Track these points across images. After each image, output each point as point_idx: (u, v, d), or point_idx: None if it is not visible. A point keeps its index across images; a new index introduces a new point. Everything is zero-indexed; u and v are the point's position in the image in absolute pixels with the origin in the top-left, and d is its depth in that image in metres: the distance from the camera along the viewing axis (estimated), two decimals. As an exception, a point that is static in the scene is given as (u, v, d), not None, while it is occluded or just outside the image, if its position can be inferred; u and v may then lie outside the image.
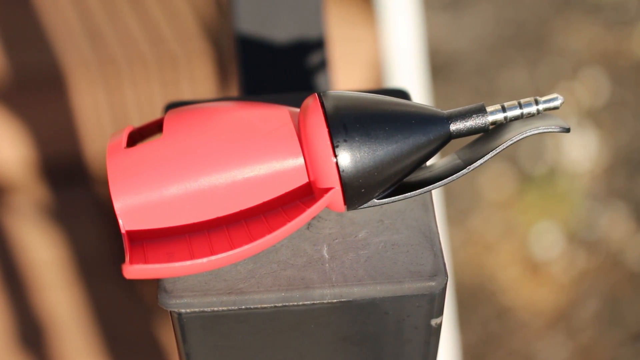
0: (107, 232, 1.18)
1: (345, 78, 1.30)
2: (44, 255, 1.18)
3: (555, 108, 0.46)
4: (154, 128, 0.49)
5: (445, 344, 1.30)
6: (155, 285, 0.45)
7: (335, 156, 0.44)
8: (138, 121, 1.16)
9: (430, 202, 0.48)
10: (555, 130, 0.45)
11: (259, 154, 0.44)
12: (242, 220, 0.45)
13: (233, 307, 0.44)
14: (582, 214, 1.57)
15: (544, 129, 0.45)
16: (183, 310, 0.44)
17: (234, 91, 1.16)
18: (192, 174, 0.44)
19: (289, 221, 0.44)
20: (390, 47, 1.34)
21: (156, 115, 1.14)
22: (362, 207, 0.45)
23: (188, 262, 0.43)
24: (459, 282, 1.49)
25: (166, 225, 0.44)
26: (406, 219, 0.47)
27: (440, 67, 1.70)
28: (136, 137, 0.49)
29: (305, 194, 0.45)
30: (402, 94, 0.52)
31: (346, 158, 0.43)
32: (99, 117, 1.17)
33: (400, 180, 0.45)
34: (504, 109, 0.45)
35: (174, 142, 0.45)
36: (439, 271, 0.45)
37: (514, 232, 1.55)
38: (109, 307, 1.17)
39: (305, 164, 0.45)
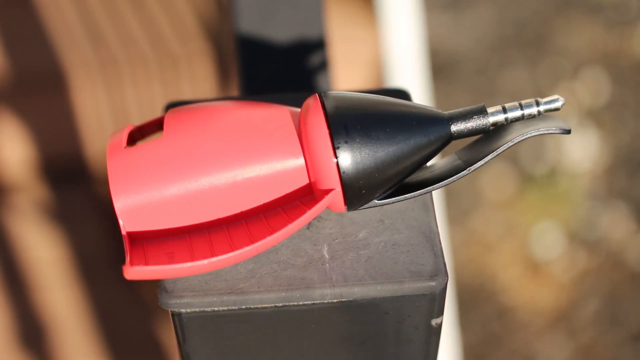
0: (108, 231, 1.18)
1: (346, 78, 1.30)
2: (44, 254, 1.18)
3: (556, 109, 0.46)
4: (154, 127, 0.49)
5: (445, 344, 1.30)
6: (156, 285, 0.45)
7: (336, 157, 0.43)
8: (138, 121, 1.16)
9: (430, 202, 0.48)
10: (555, 131, 0.45)
11: (260, 154, 0.44)
12: (243, 221, 0.45)
13: (233, 307, 0.44)
14: (582, 214, 1.57)
15: (544, 130, 0.45)
16: (183, 310, 0.44)
17: (235, 91, 1.16)
18: (193, 174, 0.44)
19: (290, 222, 0.44)
20: (390, 47, 1.34)
21: (157, 115, 1.14)
22: (362, 207, 0.45)
23: (188, 264, 0.43)
24: (459, 282, 1.49)
25: (167, 226, 0.44)
26: (406, 219, 0.47)
27: (440, 67, 1.70)
28: (136, 136, 0.49)
29: (306, 195, 0.45)
30: (403, 94, 0.52)
31: (347, 159, 0.43)
32: (99, 117, 1.17)
33: (400, 181, 0.45)
34: (504, 110, 0.45)
35: (175, 142, 0.45)
36: (440, 271, 0.45)
37: (515, 232, 1.55)
38: (109, 307, 1.17)
39: (306, 165, 0.45)
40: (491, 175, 1.59)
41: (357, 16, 1.35)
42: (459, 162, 0.46)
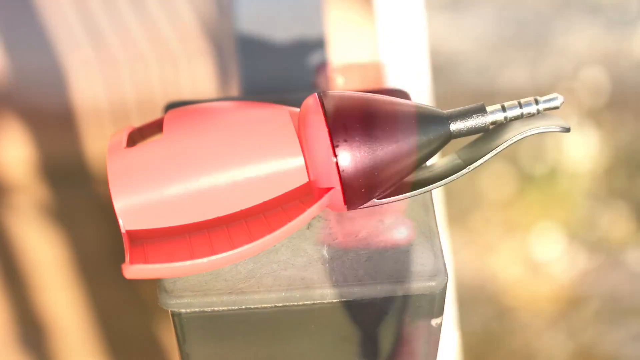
0: (108, 232, 1.18)
1: (346, 78, 1.30)
2: (44, 255, 1.18)
3: (555, 108, 0.46)
4: (154, 128, 0.49)
5: (445, 344, 1.30)
6: (156, 285, 0.45)
7: (335, 156, 0.44)
8: (138, 121, 1.16)
9: (430, 201, 0.48)
10: (555, 129, 0.45)
11: (259, 153, 0.44)
12: (243, 220, 0.45)
13: (233, 307, 0.44)
14: (582, 214, 1.57)
15: (544, 128, 0.45)
16: (183, 310, 0.44)
17: (234, 91, 1.16)
18: (192, 173, 0.44)
19: (290, 221, 0.44)
20: (390, 47, 1.33)
21: (157, 115, 1.14)
22: (362, 207, 0.45)
23: (188, 262, 0.43)
24: (459, 282, 1.49)
25: (166, 225, 0.44)
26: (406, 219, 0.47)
27: (440, 67, 1.70)
28: (136, 137, 0.49)
29: (306, 194, 0.45)
30: (402, 94, 0.52)
31: (346, 158, 0.43)
32: (99, 117, 1.17)
33: (400, 180, 0.45)
34: (504, 109, 0.45)
35: (174, 142, 0.45)
36: (439, 271, 0.45)
37: (515, 232, 1.55)
38: (109, 307, 1.17)
39: (306, 164, 0.45)
40: (491, 175, 1.59)
41: (357, 16, 1.35)
42: (458, 161, 0.46)
